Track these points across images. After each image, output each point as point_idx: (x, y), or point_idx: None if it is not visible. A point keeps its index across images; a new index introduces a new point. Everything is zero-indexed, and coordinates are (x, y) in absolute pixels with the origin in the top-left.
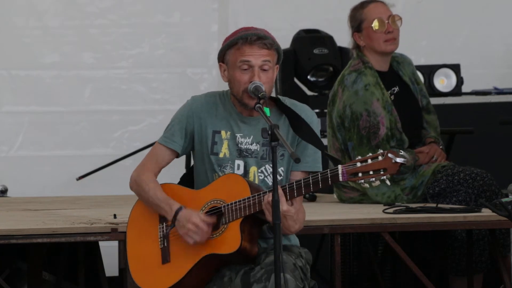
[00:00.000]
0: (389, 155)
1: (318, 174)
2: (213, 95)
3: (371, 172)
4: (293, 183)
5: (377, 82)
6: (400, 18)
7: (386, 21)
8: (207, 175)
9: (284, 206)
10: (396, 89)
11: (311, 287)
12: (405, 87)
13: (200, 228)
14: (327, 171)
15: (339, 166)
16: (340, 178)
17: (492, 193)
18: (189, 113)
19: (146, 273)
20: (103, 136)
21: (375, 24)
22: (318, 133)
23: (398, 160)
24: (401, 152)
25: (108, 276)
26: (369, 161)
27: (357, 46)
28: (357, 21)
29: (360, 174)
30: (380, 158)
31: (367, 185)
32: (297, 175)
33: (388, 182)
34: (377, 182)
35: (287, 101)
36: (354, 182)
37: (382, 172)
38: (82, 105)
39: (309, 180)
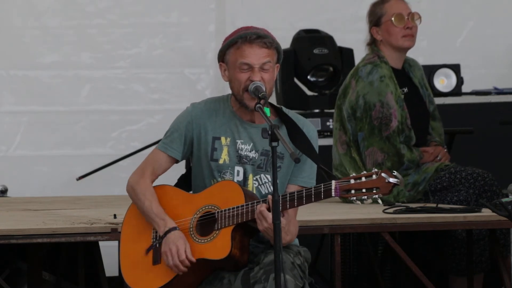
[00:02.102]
0: (383, 174)
1: (311, 188)
2: (213, 101)
3: (363, 190)
4: (286, 195)
5: (391, 76)
6: (420, 17)
7: (406, 17)
8: (206, 180)
9: (269, 220)
10: (406, 90)
11: (309, 283)
12: (415, 89)
13: (179, 254)
14: (321, 186)
15: (333, 182)
16: (333, 194)
17: (493, 194)
18: (189, 120)
19: (136, 272)
20: (101, 135)
21: (395, 19)
22: (316, 149)
23: (391, 180)
24: (394, 172)
25: (108, 276)
26: (363, 178)
27: (373, 42)
28: (376, 15)
29: (352, 191)
30: (374, 176)
31: (358, 202)
32: (292, 189)
33: (380, 201)
34: (369, 200)
35: (290, 113)
36: (346, 198)
37: (374, 191)
38: (80, 105)
39: (302, 193)
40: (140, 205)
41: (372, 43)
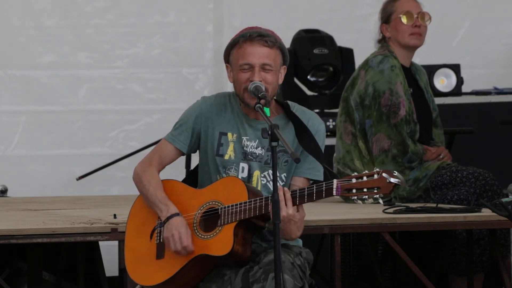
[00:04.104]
0: (384, 174)
1: (313, 186)
2: (223, 96)
3: (365, 190)
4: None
5: (401, 69)
6: (430, 18)
7: (415, 16)
8: (211, 175)
9: (290, 209)
10: (411, 90)
11: (309, 284)
12: (420, 92)
13: (182, 241)
14: (322, 184)
15: (334, 181)
16: (334, 193)
17: (493, 193)
18: (198, 113)
19: (139, 266)
20: (99, 135)
21: (404, 16)
22: (323, 143)
23: (393, 180)
24: (395, 172)
25: (108, 276)
26: (365, 178)
27: (383, 39)
28: (387, 12)
29: (354, 191)
30: (375, 176)
31: (360, 201)
32: (297, 181)
33: (381, 201)
34: (370, 200)
35: (296, 107)
36: (347, 197)
37: (375, 191)
38: (78, 104)
39: (304, 191)
40: (144, 192)
41: (382, 40)
